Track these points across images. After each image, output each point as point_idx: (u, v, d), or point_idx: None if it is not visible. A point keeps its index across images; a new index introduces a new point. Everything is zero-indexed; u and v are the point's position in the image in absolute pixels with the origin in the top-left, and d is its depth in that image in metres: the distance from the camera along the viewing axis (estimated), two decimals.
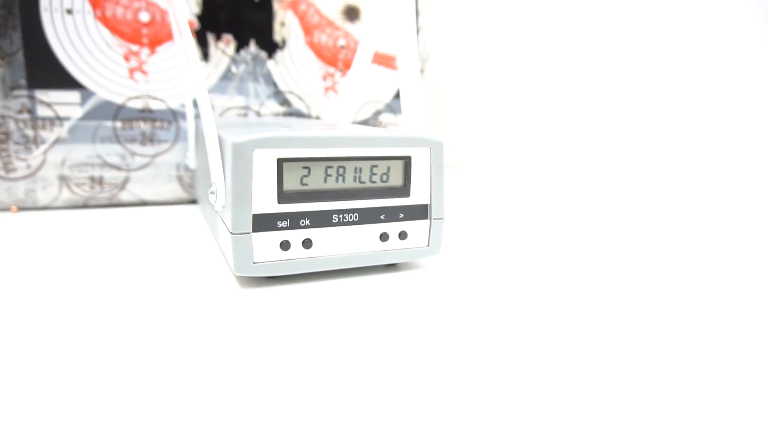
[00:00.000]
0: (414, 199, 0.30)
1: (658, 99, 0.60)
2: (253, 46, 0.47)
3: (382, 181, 0.29)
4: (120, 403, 0.17)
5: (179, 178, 0.47)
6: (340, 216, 0.29)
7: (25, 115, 0.42)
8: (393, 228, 0.30)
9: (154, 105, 0.45)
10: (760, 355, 0.22)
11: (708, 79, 0.56)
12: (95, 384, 0.18)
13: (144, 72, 0.44)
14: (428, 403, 0.18)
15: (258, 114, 0.49)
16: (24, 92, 0.41)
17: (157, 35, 0.44)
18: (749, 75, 0.53)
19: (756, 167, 0.54)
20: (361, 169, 0.29)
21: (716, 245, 0.39)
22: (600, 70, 0.65)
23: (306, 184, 0.28)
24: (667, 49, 0.59)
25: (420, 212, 0.31)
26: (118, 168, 0.45)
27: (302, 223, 0.28)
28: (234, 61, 0.47)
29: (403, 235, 0.30)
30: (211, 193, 0.28)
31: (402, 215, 0.30)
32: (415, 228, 0.31)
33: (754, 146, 0.54)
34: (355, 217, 0.29)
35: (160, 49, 0.44)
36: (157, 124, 0.46)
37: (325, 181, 0.28)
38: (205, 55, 0.46)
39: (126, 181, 0.46)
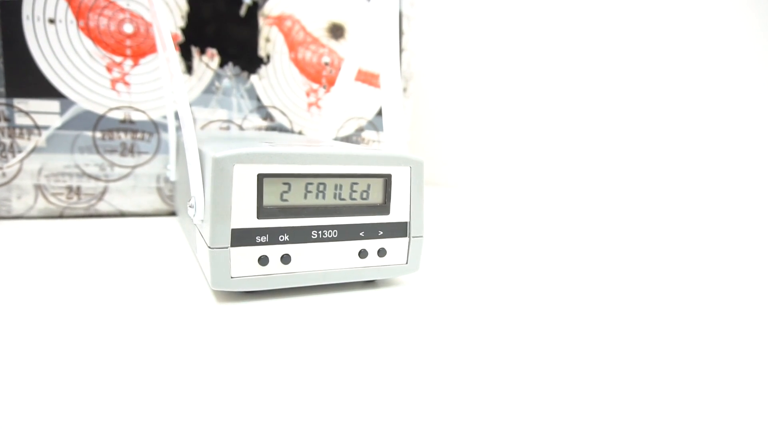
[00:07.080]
0: (393, 216, 0.31)
1: (638, 120, 0.62)
2: (237, 63, 0.48)
3: (362, 199, 0.30)
4: (91, 422, 0.17)
5: (159, 190, 0.47)
6: (320, 232, 0.29)
7: (2, 123, 0.41)
8: (372, 245, 0.30)
9: (136, 116, 0.45)
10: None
11: (683, 107, 0.58)
12: (64, 401, 0.18)
13: (126, 83, 0.44)
14: (405, 420, 0.18)
15: (240, 128, 0.49)
16: (2, 100, 0.41)
17: (141, 47, 0.44)
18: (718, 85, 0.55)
19: (740, 181, 0.55)
20: (341, 186, 0.29)
21: (695, 278, 0.40)
22: (580, 90, 0.66)
23: (286, 200, 0.28)
24: (647, 71, 0.60)
25: (399, 230, 0.31)
26: (96, 178, 0.45)
27: (281, 238, 0.28)
28: (218, 75, 0.47)
29: (382, 252, 0.30)
30: (190, 206, 0.28)
31: (381, 232, 0.30)
32: (394, 245, 0.31)
33: (735, 162, 0.55)
34: (335, 234, 0.29)
35: (143, 60, 0.44)
36: (138, 135, 0.45)
37: (305, 197, 0.28)
38: (189, 69, 0.46)
39: (104, 191, 0.45)
